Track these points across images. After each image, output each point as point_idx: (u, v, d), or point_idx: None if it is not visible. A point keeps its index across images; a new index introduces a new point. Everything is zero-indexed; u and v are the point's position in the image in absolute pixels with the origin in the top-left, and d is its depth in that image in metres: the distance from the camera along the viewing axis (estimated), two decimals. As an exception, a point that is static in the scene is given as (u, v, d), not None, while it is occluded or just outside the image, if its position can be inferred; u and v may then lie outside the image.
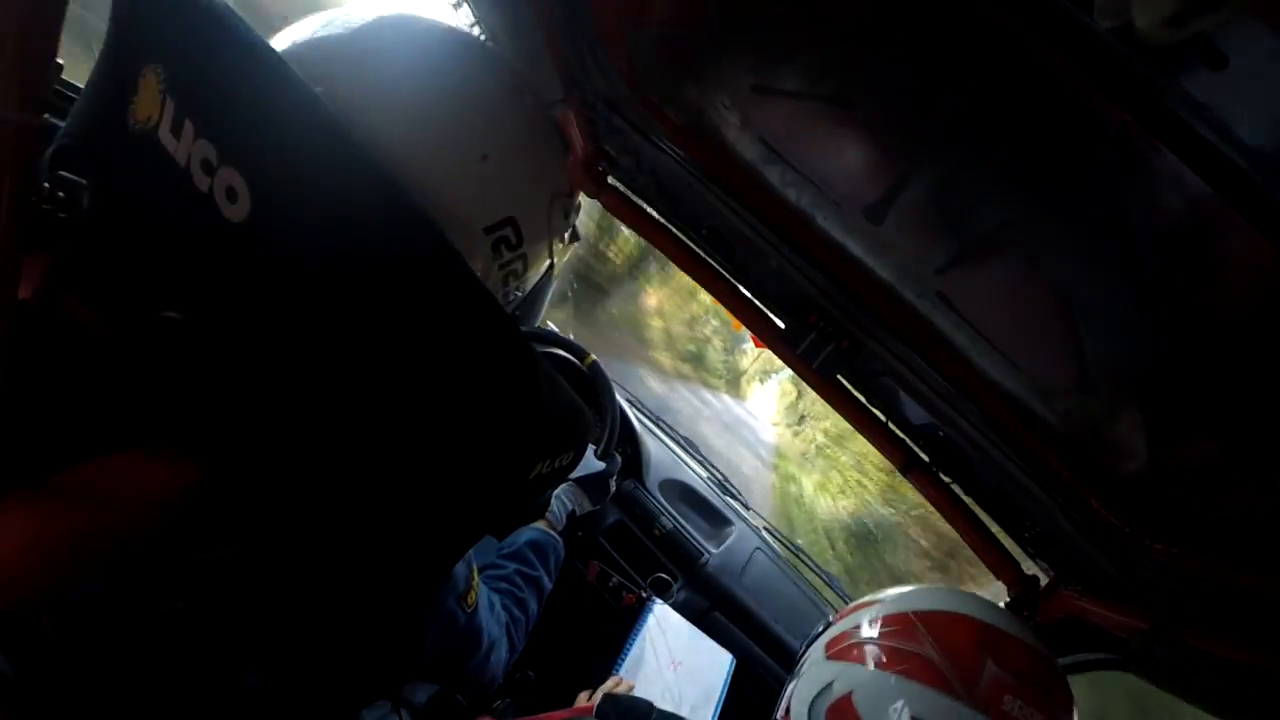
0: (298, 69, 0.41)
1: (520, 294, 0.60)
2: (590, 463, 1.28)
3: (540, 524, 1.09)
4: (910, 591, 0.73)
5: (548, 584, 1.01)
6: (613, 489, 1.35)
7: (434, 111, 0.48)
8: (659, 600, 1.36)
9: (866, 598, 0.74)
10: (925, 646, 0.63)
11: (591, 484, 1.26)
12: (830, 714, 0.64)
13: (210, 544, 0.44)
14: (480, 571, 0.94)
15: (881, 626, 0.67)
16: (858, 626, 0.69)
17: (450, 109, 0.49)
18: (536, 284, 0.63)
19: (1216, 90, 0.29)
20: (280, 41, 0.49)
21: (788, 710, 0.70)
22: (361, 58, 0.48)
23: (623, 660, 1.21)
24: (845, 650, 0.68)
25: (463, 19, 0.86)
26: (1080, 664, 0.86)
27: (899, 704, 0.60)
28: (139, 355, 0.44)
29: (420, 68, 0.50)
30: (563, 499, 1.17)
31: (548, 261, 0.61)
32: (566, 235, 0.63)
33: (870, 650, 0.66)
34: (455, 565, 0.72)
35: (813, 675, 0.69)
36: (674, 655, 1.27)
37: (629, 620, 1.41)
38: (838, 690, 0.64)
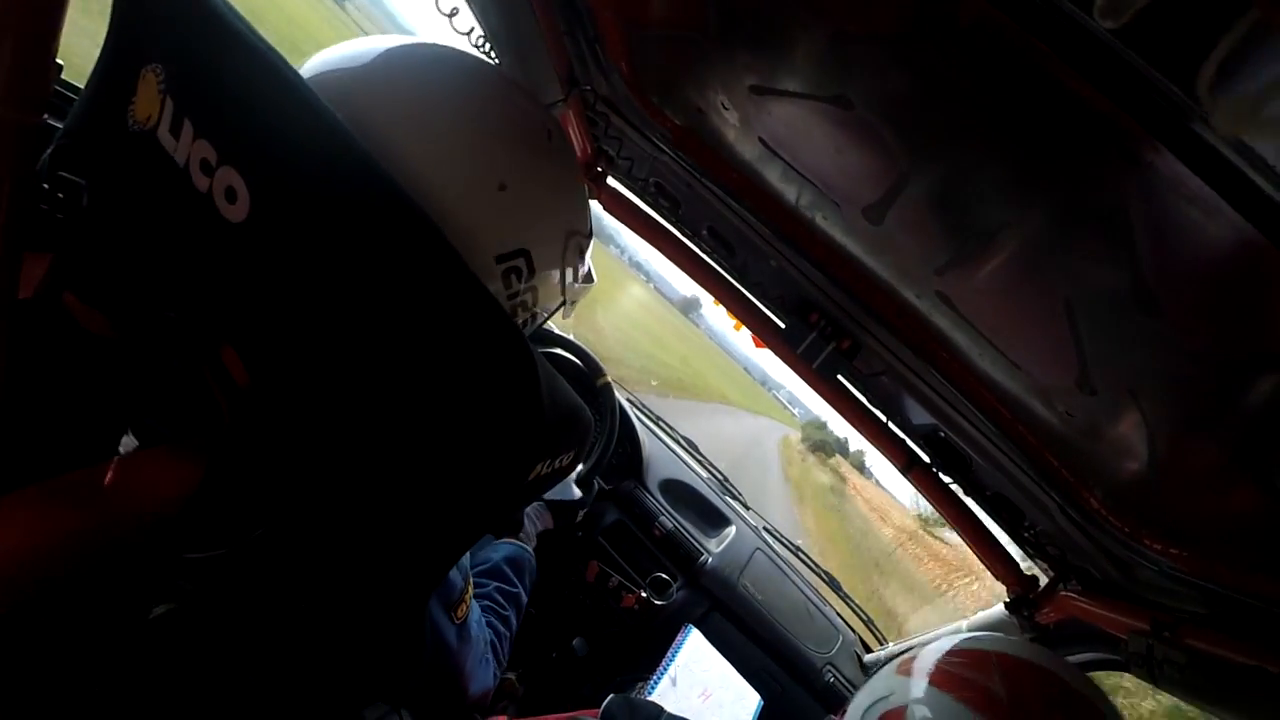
0: (324, 91, 0.41)
1: (531, 327, 0.59)
2: (567, 487, 1.28)
3: (511, 540, 1.10)
4: (1002, 637, 0.70)
5: (525, 599, 1.02)
6: (579, 519, 1.37)
7: (457, 136, 0.49)
8: (695, 628, 1.36)
9: (955, 626, 0.72)
10: (994, 682, 0.60)
11: (560, 509, 1.27)
12: None
13: (208, 544, 0.44)
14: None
15: (956, 656, 0.65)
16: (934, 649, 0.68)
17: (474, 136, 0.50)
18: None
19: (1218, 90, 0.29)
20: (305, 72, 0.49)
21: (844, 713, 0.70)
22: (387, 86, 0.49)
23: (656, 682, 1.22)
24: (912, 667, 0.67)
25: (459, 30, 0.86)
26: (1079, 664, 0.86)
27: None
28: (140, 354, 0.44)
29: (448, 92, 0.50)
30: (533, 518, 1.19)
31: (560, 299, 0.61)
32: (581, 274, 0.63)
33: (936, 671, 0.64)
34: (451, 572, 0.72)
35: (876, 685, 0.69)
36: (705, 685, 1.28)
37: (629, 623, 1.40)
38: (893, 702, 0.63)
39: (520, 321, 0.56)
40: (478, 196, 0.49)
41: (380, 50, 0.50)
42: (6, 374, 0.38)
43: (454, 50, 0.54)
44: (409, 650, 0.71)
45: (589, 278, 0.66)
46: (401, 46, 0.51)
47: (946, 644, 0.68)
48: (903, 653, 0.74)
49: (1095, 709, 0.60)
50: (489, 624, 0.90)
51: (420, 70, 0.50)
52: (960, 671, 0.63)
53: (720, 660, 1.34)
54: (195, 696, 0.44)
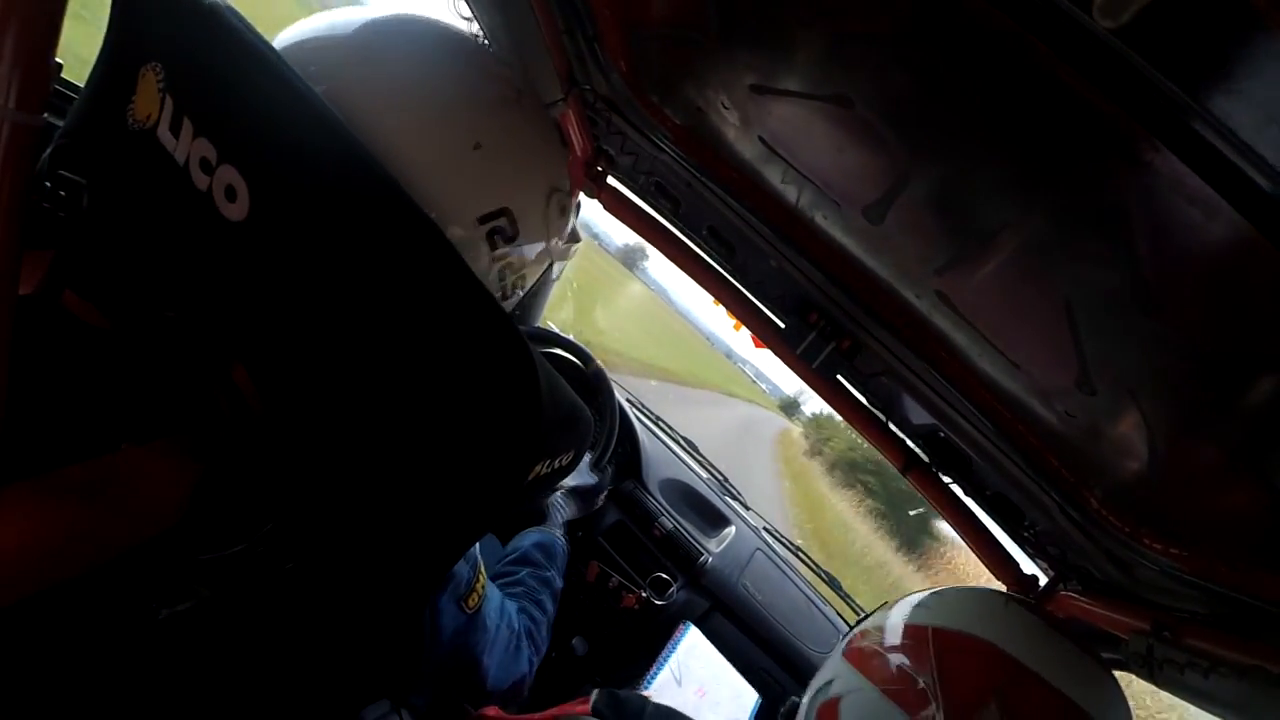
0: (296, 68, 0.41)
1: (520, 291, 0.60)
2: (583, 473, 1.29)
3: (539, 528, 1.10)
4: (952, 599, 0.66)
5: (559, 583, 1.02)
6: (599, 504, 1.37)
7: (426, 101, 0.49)
8: (693, 625, 1.36)
9: (920, 593, 0.69)
10: (926, 671, 0.56)
11: (582, 495, 1.27)
12: (819, 713, 0.62)
13: (218, 543, 0.44)
14: (494, 580, 0.93)
15: (900, 636, 0.62)
16: (881, 628, 0.65)
17: (443, 99, 0.50)
18: (535, 284, 0.63)
19: (1218, 90, 0.29)
20: (279, 41, 0.49)
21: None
22: (359, 55, 0.49)
23: (652, 678, 1.22)
24: (856, 651, 0.65)
25: (461, 21, 0.86)
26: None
27: None
28: (140, 351, 0.44)
29: (414, 61, 0.51)
30: (559, 507, 1.19)
31: (546, 260, 0.61)
32: (566, 234, 0.63)
33: (874, 659, 0.62)
34: (458, 565, 0.72)
35: (827, 667, 0.68)
36: (701, 682, 1.28)
37: (629, 623, 1.40)
38: (833, 691, 0.62)
39: (509, 284, 0.57)
40: (454, 159, 0.50)
41: (350, 24, 0.50)
42: (7, 370, 0.38)
43: (421, 19, 0.55)
44: (411, 646, 0.71)
45: (574, 236, 0.66)
46: (371, 20, 0.51)
47: (896, 617, 0.65)
48: (864, 619, 0.71)
49: (1045, 686, 0.55)
50: (523, 610, 0.89)
51: (388, 42, 0.51)
52: (895, 657, 0.59)
53: (718, 658, 1.34)
54: (199, 696, 0.44)
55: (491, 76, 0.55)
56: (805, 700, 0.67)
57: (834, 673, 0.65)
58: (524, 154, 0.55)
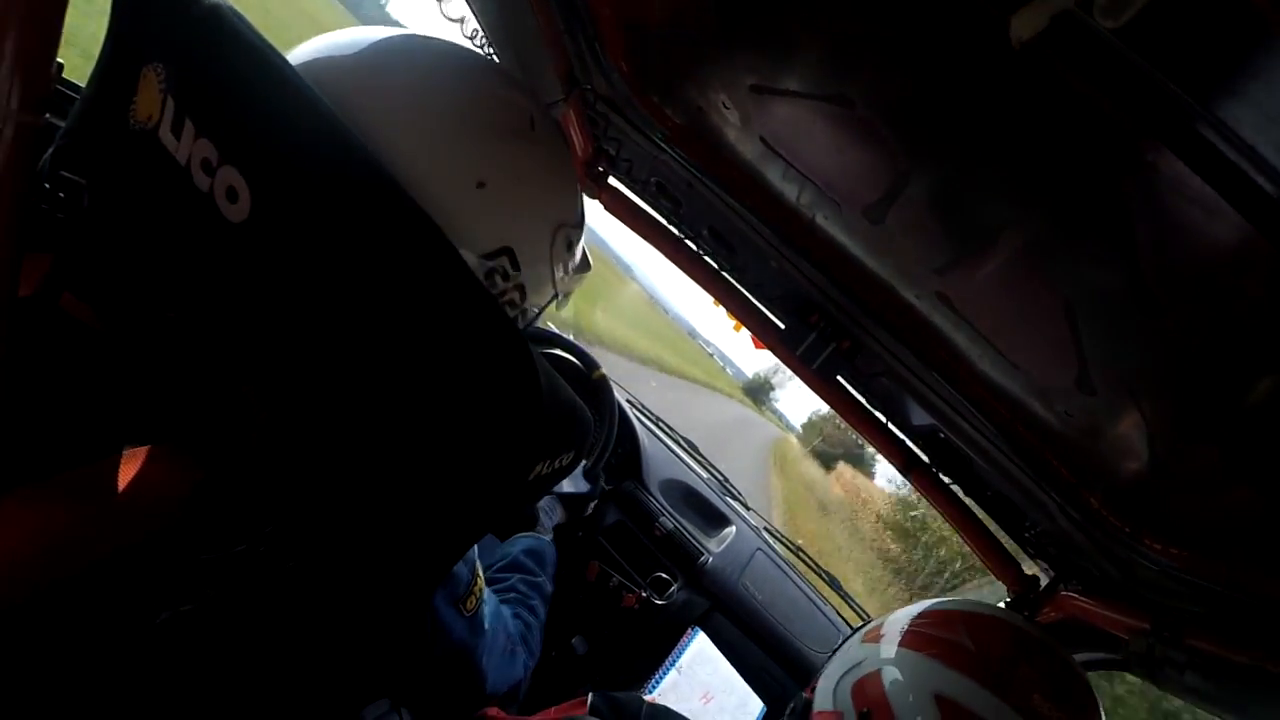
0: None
1: (520, 324, 0.58)
2: (575, 479, 1.28)
3: (529, 533, 1.10)
4: (966, 599, 0.74)
5: (549, 587, 1.02)
6: (589, 511, 1.37)
7: (432, 134, 0.47)
8: (701, 631, 1.36)
9: (916, 604, 0.77)
10: (961, 636, 0.64)
11: (572, 502, 1.27)
12: (855, 690, 0.65)
13: (219, 543, 0.44)
14: (487, 585, 0.94)
15: (924, 618, 0.68)
16: (901, 615, 0.71)
17: (448, 133, 0.48)
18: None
19: (1219, 90, 0.29)
20: (292, 59, 0.48)
21: (813, 689, 0.72)
22: (370, 76, 0.47)
23: (658, 682, 1.22)
24: (880, 633, 0.69)
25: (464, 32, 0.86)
26: (1080, 664, 0.86)
27: (926, 685, 0.61)
28: (139, 354, 0.44)
29: (422, 87, 0.49)
30: (548, 512, 1.19)
31: (550, 293, 0.59)
32: (572, 265, 0.61)
33: (904, 634, 0.67)
34: (457, 566, 0.72)
35: (844, 655, 0.71)
36: (708, 688, 1.27)
37: (629, 623, 1.40)
38: (866, 668, 0.66)
39: (511, 316, 0.55)
40: (455, 195, 0.48)
41: (363, 42, 0.49)
42: (6, 373, 0.38)
43: (437, 42, 0.53)
44: (412, 646, 0.71)
45: (583, 265, 0.64)
46: (385, 39, 0.50)
47: (914, 609, 0.72)
48: (862, 627, 0.78)
49: (1054, 651, 0.66)
50: (517, 615, 0.90)
51: (398, 64, 0.49)
52: (929, 631, 0.66)
53: (725, 665, 1.33)
54: (202, 696, 0.44)
55: (503, 105, 0.52)
56: (827, 687, 0.69)
57: (861, 654, 0.68)
58: (530, 191, 0.53)
